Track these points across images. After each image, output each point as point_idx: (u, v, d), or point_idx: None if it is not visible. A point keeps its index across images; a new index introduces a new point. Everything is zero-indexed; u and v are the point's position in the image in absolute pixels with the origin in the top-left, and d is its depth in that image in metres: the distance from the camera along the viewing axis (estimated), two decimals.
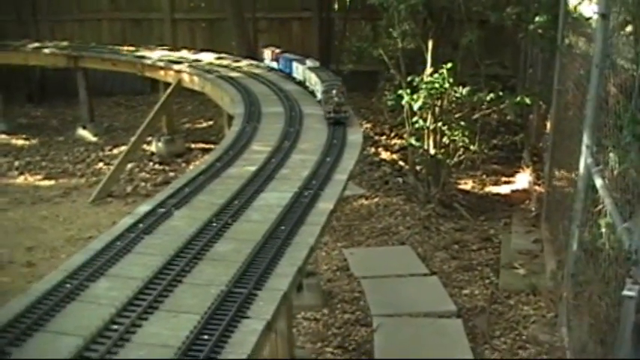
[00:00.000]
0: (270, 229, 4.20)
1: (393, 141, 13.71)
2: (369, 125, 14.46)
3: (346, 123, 7.22)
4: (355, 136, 6.68)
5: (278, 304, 3.37)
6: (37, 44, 14.78)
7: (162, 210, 4.55)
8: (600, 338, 5.27)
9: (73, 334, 3.05)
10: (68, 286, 3.50)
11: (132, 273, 3.65)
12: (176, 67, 11.50)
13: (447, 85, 9.71)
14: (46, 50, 14.03)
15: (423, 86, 9.76)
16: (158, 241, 4.09)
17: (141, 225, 4.29)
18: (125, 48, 13.95)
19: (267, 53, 11.06)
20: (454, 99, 9.92)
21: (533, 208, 10.05)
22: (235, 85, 9.25)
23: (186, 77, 11.15)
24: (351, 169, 5.51)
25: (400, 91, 10.19)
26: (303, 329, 7.06)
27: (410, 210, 10.20)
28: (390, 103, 11.09)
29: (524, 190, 10.94)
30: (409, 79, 10.03)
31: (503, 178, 11.75)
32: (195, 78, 10.77)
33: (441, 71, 9.65)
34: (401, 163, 12.51)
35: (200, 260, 3.83)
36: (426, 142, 10.28)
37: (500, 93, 9.73)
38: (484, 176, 11.85)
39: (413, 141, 10.49)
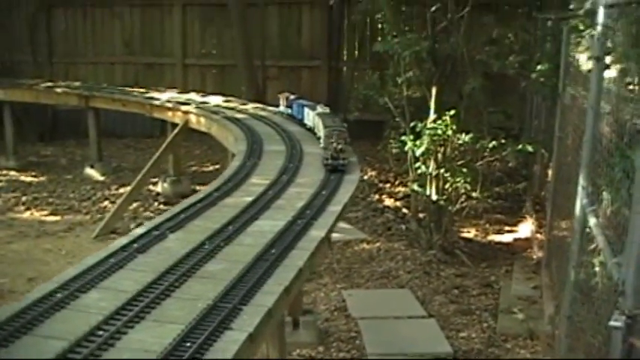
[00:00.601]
0: (261, 252, 4.27)
1: (398, 188, 13.78)
2: (373, 173, 14.57)
3: (345, 170, 6.82)
4: (353, 174, 6.74)
5: (262, 318, 3.42)
6: (50, 83, 15.07)
7: (157, 232, 4.62)
8: None
9: (59, 337, 3.11)
10: (59, 295, 3.57)
11: (122, 286, 3.72)
12: (184, 108, 11.69)
13: (449, 131, 9.81)
14: (59, 89, 14.32)
15: (426, 132, 9.86)
16: (151, 259, 4.17)
17: (135, 245, 4.36)
18: (135, 90, 14.21)
19: (281, 99, 11.07)
20: (457, 145, 10.00)
21: (534, 257, 10.05)
22: (240, 126, 9.39)
23: (193, 118, 11.32)
24: (346, 202, 5.59)
25: (404, 137, 10.30)
26: None
27: (411, 255, 10.23)
28: (395, 150, 11.23)
29: (527, 239, 10.94)
30: (412, 124, 10.14)
31: (506, 227, 11.75)
32: (202, 119, 10.93)
33: (444, 118, 9.77)
34: (404, 210, 12.55)
35: (190, 278, 3.90)
36: (428, 189, 10.34)
37: (503, 140, 9.84)
38: (487, 225, 11.87)
39: (416, 187, 10.57)
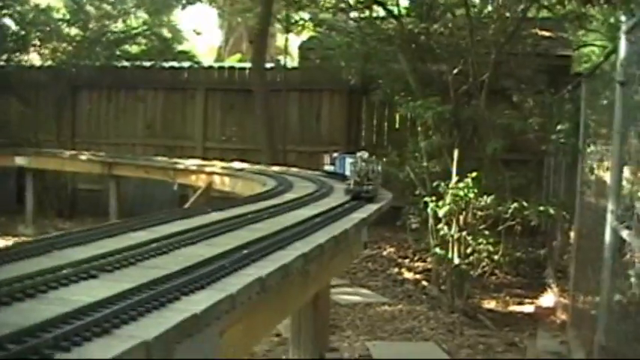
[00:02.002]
0: (307, 219, 4.29)
1: (417, 264, 13.69)
2: (392, 249, 14.51)
3: (373, 200, 6.12)
4: (384, 192, 6.79)
5: (314, 247, 3.43)
6: (73, 152, 15.35)
7: (199, 210, 4.67)
8: None
9: (110, 247, 3.11)
10: (105, 229, 3.60)
11: (171, 230, 3.72)
12: (208, 169, 11.80)
13: (471, 194, 9.87)
14: (82, 157, 14.53)
15: (449, 192, 9.93)
16: (196, 222, 4.17)
17: (179, 214, 4.41)
18: (159, 158, 14.43)
19: (325, 158, 10.29)
20: (479, 208, 10.03)
21: (558, 321, 9.90)
22: (268, 175, 9.47)
23: (217, 179, 11.40)
24: (382, 205, 5.62)
25: (426, 198, 10.36)
26: None
27: (434, 316, 10.10)
28: (414, 226, 11.28)
29: (549, 308, 10.78)
30: (435, 184, 10.22)
31: (527, 300, 11.61)
32: (226, 179, 11.02)
33: (466, 180, 9.85)
34: (424, 283, 12.44)
35: (237, 229, 3.92)
36: (450, 252, 10.31)
37: (525, 203, 9.89)
38: (507, 297, 11.72)
39: (438, 250, 10.53)
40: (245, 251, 3.06)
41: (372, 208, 5.35)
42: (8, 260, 2.72)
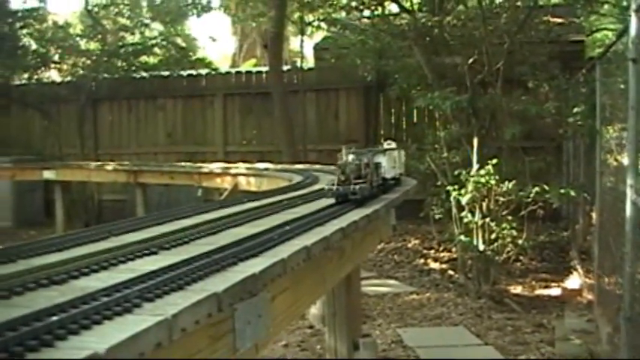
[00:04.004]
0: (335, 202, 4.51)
1: (442, 254, 13.87)
2: (417, 241, 14.69)
3: (364, 201, 4.66)
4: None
5: (350, 222, 3.67)
6: (99, 163, 15.71)
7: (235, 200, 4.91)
8: None
9: (162, 231, 3.36)
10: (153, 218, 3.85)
11: (214, 216, 3.96)
12: (233, 171, 12.05)
13: (492, 181, 10.04)
14: (108, 167, 14.85)
15: (471, 179, 10.09)
16: (232, 209, 4.42)
17: (219, 204, 4.65)
18: (183, 163, 14.71)
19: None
20: (501, 193, 10.19)
21: (585, 301, 10.04)
22: (292, 171, 9.69)
23: (242, 180, 11.63)
24: (409, 188, 5.83)
25: (448, 187, 10.54)
26: None
27: (462, 302, 10.28)
28: (437, 216, 11.48)
29: (575, 290, 10.92)
30: (456, 172, 10.39)
31: (553, 284, 11.75)
32: (252, 179, 11.25)
33: (486, 167, 10.02)
34: (451, 272, 12.61)
35: (276, 213, 4.15)
36: (474, 239, 10.47)
37: (546, 187, 10.04)
38: (533, 282, 11.87)
39: (462, 238, 10.71)
40: (288, 227, 3.30)
41: (389, 197, 5.25)
42: (73, 245, 2.97)
